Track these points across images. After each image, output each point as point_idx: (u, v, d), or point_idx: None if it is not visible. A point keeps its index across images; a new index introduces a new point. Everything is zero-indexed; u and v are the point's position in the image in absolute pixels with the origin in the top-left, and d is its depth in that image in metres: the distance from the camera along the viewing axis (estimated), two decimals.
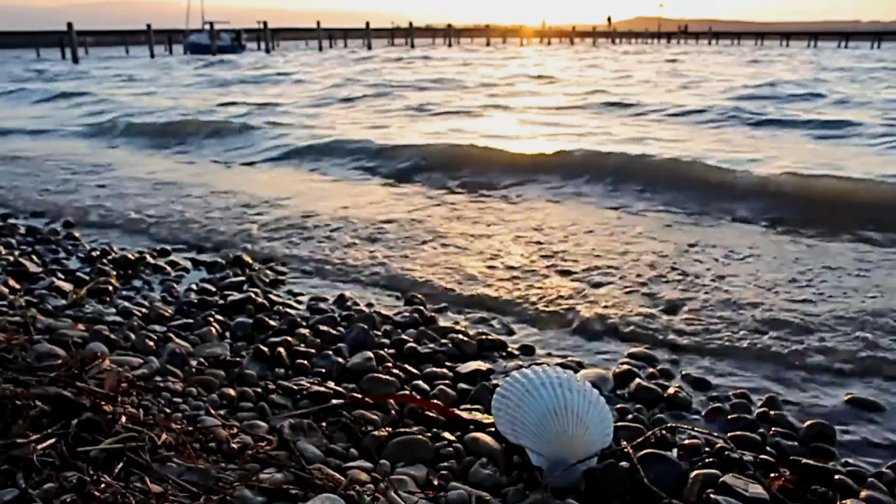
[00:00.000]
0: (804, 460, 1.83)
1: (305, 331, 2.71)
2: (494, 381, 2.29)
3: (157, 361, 2.34)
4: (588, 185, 5.73)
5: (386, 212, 4.96)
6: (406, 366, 2.43)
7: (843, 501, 1.69)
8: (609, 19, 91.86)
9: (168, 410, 1.93)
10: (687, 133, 8.66)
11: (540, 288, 3.36)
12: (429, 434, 1.93)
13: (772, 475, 1.77)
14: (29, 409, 1.68)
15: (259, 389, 2.21)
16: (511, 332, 2.87)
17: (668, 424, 2.04)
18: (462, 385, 2.31)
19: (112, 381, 1.89)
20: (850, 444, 2.04)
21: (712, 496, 1.66)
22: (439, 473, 1.76)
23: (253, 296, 3.10)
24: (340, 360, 2.45)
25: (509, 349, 2.68)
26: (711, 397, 2.32)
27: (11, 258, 3.65)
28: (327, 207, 5.04)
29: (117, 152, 8.16)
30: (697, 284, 3.40)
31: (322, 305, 3.09)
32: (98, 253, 3.87)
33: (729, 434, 1.99)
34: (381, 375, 2.31)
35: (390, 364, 2.44)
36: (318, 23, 60.32)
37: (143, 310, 2.94)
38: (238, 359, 2.46)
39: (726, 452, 1.86)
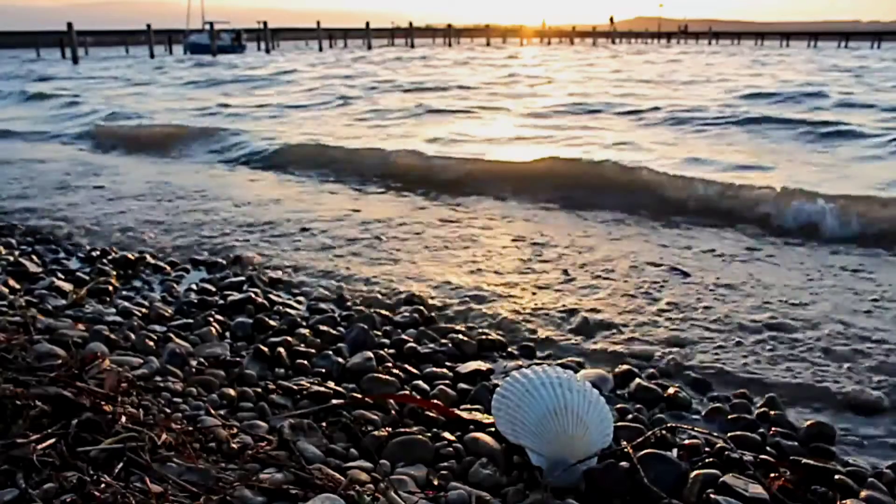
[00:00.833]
0: (804, 460, 1.83)
1: (305, 331, 2.71)
2: (494, 381, 2.29)
3: (157, 361, 2.34)
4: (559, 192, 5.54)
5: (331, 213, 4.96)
6: (406, 366, 2.43)
7: (843, 501, 1.69)
8: (612, 19, 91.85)
9: (168, 410, 1.93)
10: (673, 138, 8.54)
11: (539, 289, 3.36)
12: (429, 434, 1.93)
13: (772, 475, 1.77)
14: (29, 409, 1.68)
15: (259, 389, 2.21)
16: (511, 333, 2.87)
17: (668, 424, 2.04)
18: (462, 385, 2.30)
19: (112, 381, 1.89)
20: (850, 444, 2.04)
21: (712, 496, 1.66)
22: (439, 473, 1.76)
23: (253, 296, 3.10)
24: (340, 360, 2.45)
25: (509, 349, 2.68)
26: (711, 397, 2.32)
27: (11, 258, 3.65)
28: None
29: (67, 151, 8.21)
30: (697, 286, 3.40)
31: (322, 305, 3.09)
32: (98, 253, 3.87)
33: (729, 434, 1.99)
34: (381, 375, 2.31)
35: (390, 364, 2.44)
36: (318, 23, 60.33)
37: (143, 310, 2.94)
38: (238, 359, 2.47)
39: (726, 452, 1.86)
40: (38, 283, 3.28)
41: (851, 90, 14.19)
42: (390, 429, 1.95)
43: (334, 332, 2.72)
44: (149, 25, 47.66)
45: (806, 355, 2.61)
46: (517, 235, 4.36)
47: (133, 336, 2.58)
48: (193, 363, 2.39)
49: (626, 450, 1.77)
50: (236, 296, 3.12)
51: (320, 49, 54.17)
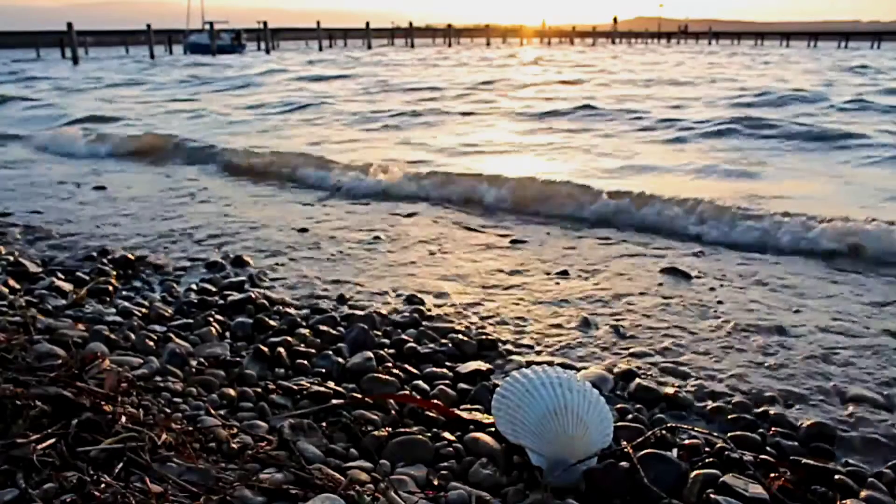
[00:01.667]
0: (804, 460, 1.83)
1: (305, 331, 2.71)
2: (494, 381, 2.29)
3: (157, 361, 2.34)
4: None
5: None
6: (406, 366, 2.43)
7: (843, 501, 1.69)
8: (615, 19, 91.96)
9: (168, 410, 1.93)
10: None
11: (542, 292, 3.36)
12: (429, 434, 1.93)
13: (772, 475, 1.77)
14: (29, 409, 1.68)
15: (259, 389, 2.21)
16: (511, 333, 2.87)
17: (668, 424, 2.04)
18: (462, 385, 2.30)
19: (112, 381, 1.89)
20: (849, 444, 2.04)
21: (712, 496, 1.66)
22: (439, 473, 1.76)
23: (253, 296, 3.10)
24: (340, 360, 2.45)
25: (509, 349, 2.68)
26: (712, 397, 2.32)
27: (11, 258, 3.65)
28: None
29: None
30: (692, 289, 3.40)
31: (322, 305, 3.09)
32: (97, 253, 3.87)
33: (729, 434, 1.99)
34: (381, 375, 2.31)
35: (390, 364, 2.44)
36: (318, 23, 60.36)
37: (143, 310, 2.94)
38: (238, 359, 2.47)
39: (726, 452, 1.86)
40: (38, 283, 3.28)
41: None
42: (390, 429, 1.95)
43: (334, 332, 2.72)
44: (149, 25, 47.64)
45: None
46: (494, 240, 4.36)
47: (133, 336, 2.58)
48: (193, 363, 2.39)
49: (626, 450, 1.77)
50: (236, 296, 3.12)
51: (320, 49, 54.18)
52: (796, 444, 1.99)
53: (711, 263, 3.79)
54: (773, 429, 2.07)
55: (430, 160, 7.08)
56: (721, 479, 1.72)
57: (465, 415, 2.05)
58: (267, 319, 2.82)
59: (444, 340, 2.67)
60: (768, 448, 1.96)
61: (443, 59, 33.68)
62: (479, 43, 70.61)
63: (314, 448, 1.78)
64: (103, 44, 59.97)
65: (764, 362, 2.55)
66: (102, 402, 1.76)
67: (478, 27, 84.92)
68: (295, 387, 2.20)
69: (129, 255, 3.76)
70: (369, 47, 55.22)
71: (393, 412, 2.08)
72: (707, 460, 1.85)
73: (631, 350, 2.66)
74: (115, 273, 3.50)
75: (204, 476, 1.55)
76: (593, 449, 1.75)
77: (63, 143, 8.49)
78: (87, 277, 3.40)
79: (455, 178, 5.80)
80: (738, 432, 2.02)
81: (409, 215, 4.98)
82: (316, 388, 2.18)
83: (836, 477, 1.77)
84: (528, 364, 2.42)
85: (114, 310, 2.95)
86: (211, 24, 51.04)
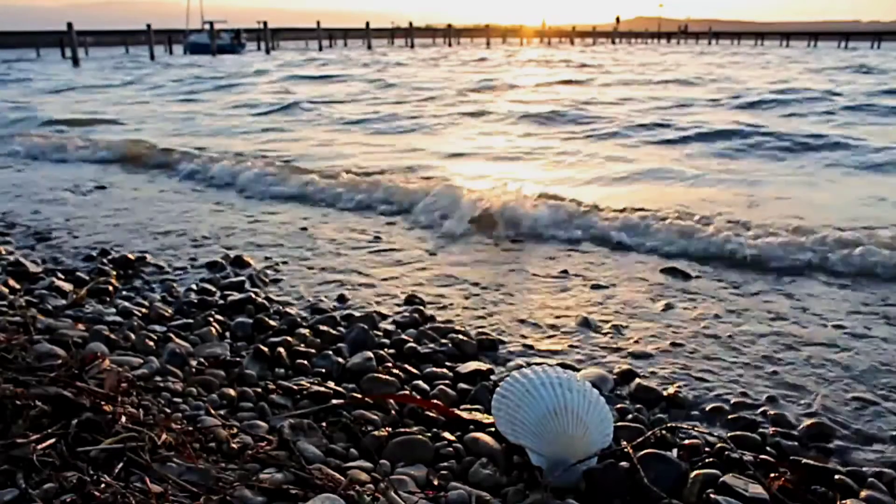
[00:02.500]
0: (804, 460, 1.83)
1: (305, 331, 2.71)
2: (494, 381, 2.29)
3: (157, 361, 2.34)
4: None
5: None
6: (406, 366, 2.43)
7: (843, 501, 1.69)
8: (618, 19, 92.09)
9: (168, 410, 1.93)
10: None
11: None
12: (429, 434, 1.93)
13: (772, 475, 1.77)
14: (29, 409, 1.68)
15: (259, 389, 2.21)
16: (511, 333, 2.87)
17: (668, 424, 2.04)
18: (462, 385, 2.30)
19: (112, 381, 1.89)
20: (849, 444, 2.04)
21: (712, 496, 1.66)
22: (439, 473, 1.76)
23: (253, 296, 3.10)
24: (340, 360, 2.45)
25: (509, 349, 2.68)
26: (711, 397, 2.32)
27: (11, 258, 3.65)
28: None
29: None
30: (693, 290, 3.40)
31: (322, 305, 3.09)
32: (97, 252, 3.87)
33: (729, 434, 1.99)
34: (381, 375, 2.31)
35: (390, 364, 2.44)
36: (318, 23, 60.37)
37: (143, 310, 2.94)
38: (238, 359, 2.47)
39: (726, 452, 1.86)
40: (38, 283, 3.28)
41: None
42: (390, 429, 1.95)
43: (334, 332, 2.72)
44: (149, 25, 47.62)
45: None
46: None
47: (133, 336, 2.58)
48: (193, 363, 2.39)
49: (626, 450, 1.77)
50: (236, 296, 3.12)
51: (320, 49, 54.18)
52: (796, 444, 1.99)
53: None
54: (773, 429, 2.07)
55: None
56: (721, 480, 1.72)
57: (465, 415, 2.05)
58: (267, 319, 2.82)
59: (444, 340, 2.67)
60: (768, 448, 1.96)
61: (442, 58, 33.63)
62: (478, 43, 70.58)
63: (314, 448, 1.78)
64: (103, 44, 59.97)
65: (764, 362, 2.55)
66: (102, 402, 1.76)
67: (478, 27, 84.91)
68: (295, 387, 2.20)
69: (130, 255, 3.77)
70: (369, 47, 55.22)
71: (393, 412, 2.08)
72: (707, 460, 1.85)
73: (631, 350, 2.66)
74: (115, 273, 3.50)
75: (204, 476, 1.55)
76: (593, 449, 1.75)
77: None
78: (87, 277, 3.41)
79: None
80: (738, 432, 2.02)
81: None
82: (316, 388, 2.18)
83: (836, 477, 1.77)
84: (529, 364, 2.42)
85: (114, 310, 2.95)
86: (211, 23, 51.04)
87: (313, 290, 3.34)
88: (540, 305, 3.14)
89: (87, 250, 3.97)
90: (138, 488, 1.45)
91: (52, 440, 1.58)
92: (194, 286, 3.31)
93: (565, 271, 3.63)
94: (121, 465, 1.54)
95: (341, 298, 3.21)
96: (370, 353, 2.47)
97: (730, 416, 2.16)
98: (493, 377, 2.39)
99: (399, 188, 5.29)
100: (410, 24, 68.26)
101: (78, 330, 2.57)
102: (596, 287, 3.39)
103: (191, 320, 2.84)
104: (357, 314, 2.93)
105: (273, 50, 52.97)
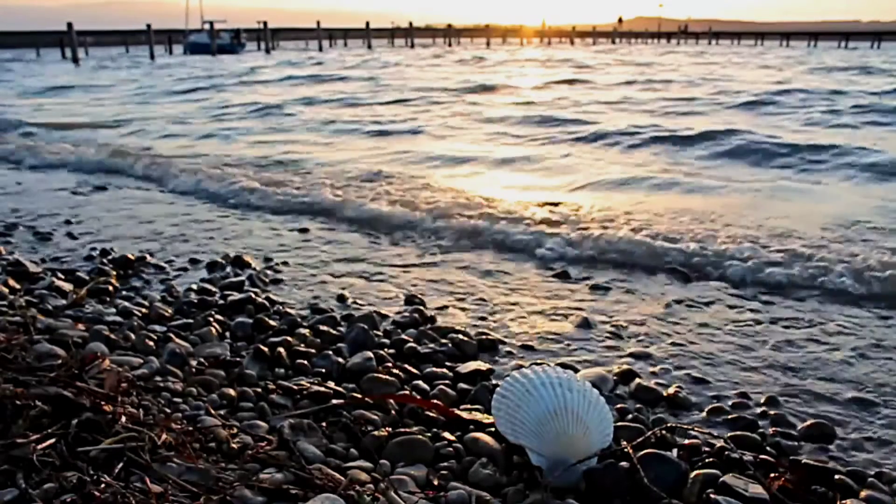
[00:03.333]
0: (804, 460, 1.83)
1: (305, 331, 2.71)
2: (494, 381, 2.29)
3: (157, 361, 2.34)
4: None
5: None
6: (406, 366, 2.43)
7: (843, 501, 1.69)
8: (620, 19, 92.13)
9: (168, 410, 1.93)
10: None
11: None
12: (429, 434, 1.93)
13: (772, 475, 1.77)
14: (29, 409, 1.68)
15: (259, 389, 2.21)
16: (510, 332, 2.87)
17: (668, 424, 2.04)
18: (462, 385, 2.30)
19: (112, 381, 1.89)
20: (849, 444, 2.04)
21: (712, 496, 1.66)
22: (439, 473, 1.76)
23: (253, 296, 3.10)
24: (340, 360, 2.45)
25: (509, 349, 2.68)
26: (711, 397, 2.32)
27: (11, 258, 3.65)
28: None
29: None
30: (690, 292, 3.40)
31: (322, 305, 3.09)
32: (98, 252, 3.87)
33: (729, 434, 1.99)
34: (381, 375, 2.31)
35: (390, 364, 2.44)
36: (318, 23, 60.40)
37: (143, 310, 2.94)
38: (238, 359, 2.46)
39: (726, 452, 1.86)
40: (38, 283, 3.28)
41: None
42: (390, 429, 1.95)
43: (334, 332, 2.72)
44: (149, 25, 47.65)
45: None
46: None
47: (133, 336, 2.58)
48: (193, 363, 2.38)
49: (626, 450, 1.77)
50: (236, 296, 3.12)
51: (320, 49, 54.19)
52: (796, 443, 1.99)
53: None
54: (773, 429, 2.07)
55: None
56: (721, 479, 1.72)
57: (465, 415, 2.05)
58: (267, 319, 2.82)
59: (444, 340, 2.67)
60: (768, 448, 1.96)
61: (442, 57, 33.55)
62: (478, 43, 70.56)
63: (314, 448, 1.78)
64: (103, 44, 60.01)
65: (764, 362, 2.55)
66: (102, 402, 1.76)
67: (478, 27, 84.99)
68: (295, 387, 2.20)
69: (130, 255, 3.77)
70: (369, 47, 55.26)
71: (393, 412, 2.08)
72: (707, 460, 1.85)
73: (631, 350, 2.66)
74: (115, 273, 3.50)
75: (204, 476, 1.55)
76: (593, 449, 1.75)
77: None
78: (87, 277, 3.41)
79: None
80: (738, 432, 2.02)
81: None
82: (316, 388, 2.18)
83: (836, 477, 1.77)
84: (529, 364, 2.42)
85: (114, 310, 2.95)
86: (211, 23, 51.07)
87: (313, 291, 3.34)
88: (540, 306, 3.14)
89: (87, 250, 3.97)
90: (138, 488, 1.45)
91: (52, 440, 1.58)
92: (194, 286, 3.31)
93: (565, 272, 3.63)
94: (121, 465, 1.54)
95: (341, 298, 3.21)
96: (370, 353, 2.47)
97: (730, 416, 2.16)
98: (492, 377, 2.39)
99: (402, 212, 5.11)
100: (410, 24, 68.32)
101: (78, 330, 2.57)
102: (595, 288, 3.40)
103: (191, 320, 2.84)
104: (357, 314, 2.93)
105: (273, 50, 52.99)
